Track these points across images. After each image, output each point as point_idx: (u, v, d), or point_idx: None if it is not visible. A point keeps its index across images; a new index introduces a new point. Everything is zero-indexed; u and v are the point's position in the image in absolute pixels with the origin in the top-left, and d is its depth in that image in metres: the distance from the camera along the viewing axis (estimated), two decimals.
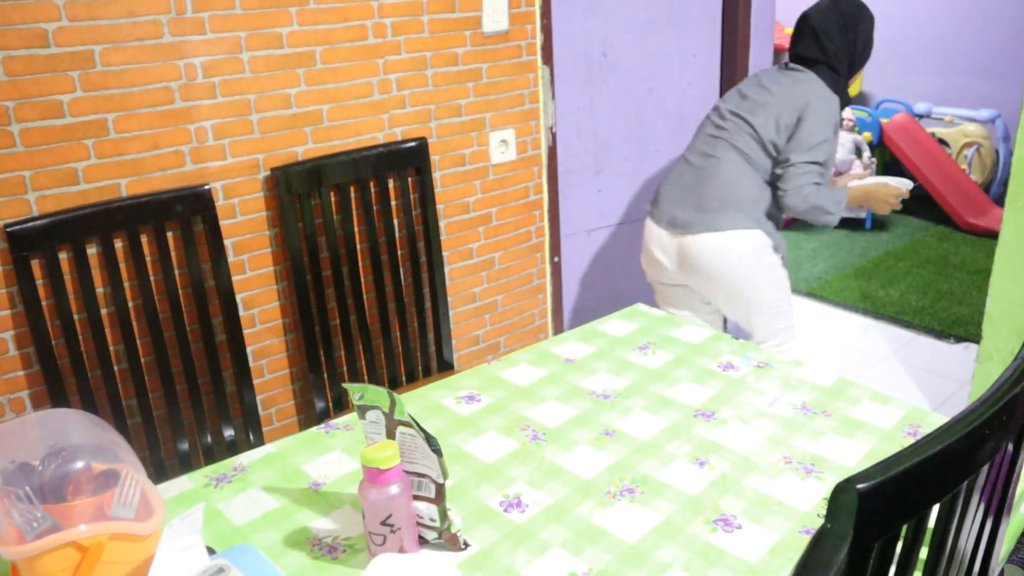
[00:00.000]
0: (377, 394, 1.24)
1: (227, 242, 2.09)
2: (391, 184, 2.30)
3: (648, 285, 3.24)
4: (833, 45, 2.43)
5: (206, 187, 1.98)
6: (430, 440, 1.19)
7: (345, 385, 1.31)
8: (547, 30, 2.57)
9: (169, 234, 1.97)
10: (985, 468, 0.88)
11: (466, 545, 1.25)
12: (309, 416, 2.33)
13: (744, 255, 2.45)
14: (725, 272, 2.46)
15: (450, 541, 1.24)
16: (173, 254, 1.98)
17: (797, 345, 2.84)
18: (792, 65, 2.50)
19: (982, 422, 0.83)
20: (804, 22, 2.51)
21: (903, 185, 2.59)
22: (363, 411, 1.27)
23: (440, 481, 1.21)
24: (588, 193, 3.00)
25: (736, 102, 2.50)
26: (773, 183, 2.45)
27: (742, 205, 2.43)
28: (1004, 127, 5.29)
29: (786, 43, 6.05)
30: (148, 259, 1.95)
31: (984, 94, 5.51)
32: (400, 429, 1.23)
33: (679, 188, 2.52)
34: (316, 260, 2.18)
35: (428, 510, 1.24)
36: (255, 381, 2.20)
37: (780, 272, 2.54)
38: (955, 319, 3.93)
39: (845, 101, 2.46)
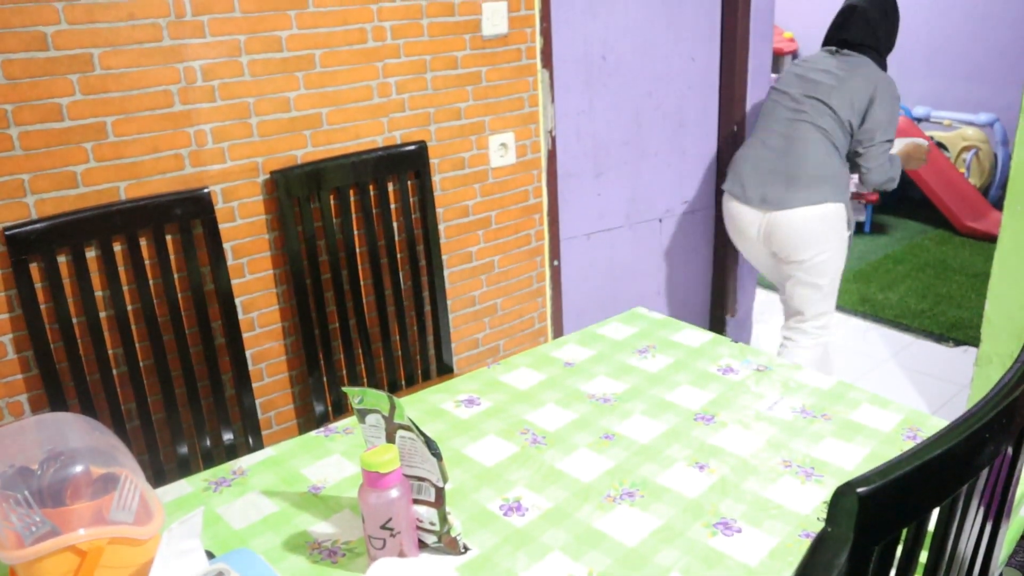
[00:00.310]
0: (377, 398, 1.23)
1: (226, 245, 2.08)
2: (390, 187, 2.30)
3: (647, 288, 3.24)
4: (880, 31, 2.75)
5: (205, 190, 1.98)
6: (430, 444, 1.19)
7: (345, 389, 1.31)
8: (546, 34, 2.57)
9: (168, 237, 1.97)
10: (985, 472, 0.88)
11: (466, 549, 1.25)
12: (308, 420, 2.33)
13: (831, 226, 2.72)
14: (810, 242, 2.71)
15: (450, 545, 1.24)
16: (172, 258, 1.98)
17: (836, 328, 3.06)
18: (845, 51, 2.76)
19: (982, 426, 0.83)
20: (852, 10, 2.77)
21: (923, 142, 3.05)
22: (363, 415, 1.27)
23: (440, 485, 1.21)
24: (588, 196, 3.00)
25: (805, 86, 2.74)
26: (851, 160, 2.76)
27: (829, 180, 2.68)
28: (1002, 131, 5.30)
29: (784, 47, 6.07)
30: (147, 263, 1.95)
31: (982, 98, 5.51)
32: (400, 433, 1.22)
33: (764, 169, 2.76)
34: (315, 263, 2.18)
35: (428, 514, 1.23)
36: (254, 385, 2.19)
37: (846, 247, 2.82)
38: (954, 322, 3.93)
39: None
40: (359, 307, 2.27)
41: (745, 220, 2.83)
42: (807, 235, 2.70)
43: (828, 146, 2.69)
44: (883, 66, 2.76)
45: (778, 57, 6.07)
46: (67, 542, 1.03)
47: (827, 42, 2.84)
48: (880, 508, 0.73)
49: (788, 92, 2.77)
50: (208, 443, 2.09)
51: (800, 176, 2.67)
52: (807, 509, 1.30)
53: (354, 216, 2.25)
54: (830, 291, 2.82)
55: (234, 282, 2.10)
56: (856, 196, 5.20)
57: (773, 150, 2.75)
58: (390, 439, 1.24)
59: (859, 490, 0.71)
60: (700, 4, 3.09)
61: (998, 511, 0.99)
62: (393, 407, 1.21)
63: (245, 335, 2.15)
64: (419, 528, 1.24)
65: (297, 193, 2.12)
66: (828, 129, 2.67)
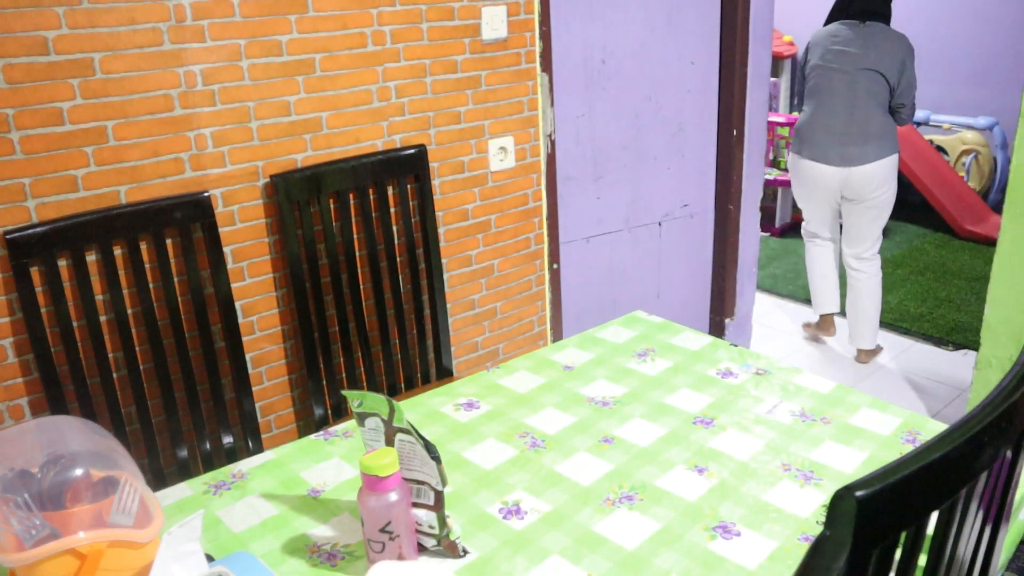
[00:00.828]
0: (376, 401, 1.24)
1: (226, 249, 2.09)
2: (390, 191, 2.30)
3: (647, 292, 3.24)
4: (889, 2, 3.33)
5: (205, 194, 1.98)
6: (429, 447, 1.19)
7: (344, 392, 1.31)
8: (546, 38, 2.57)
9: (168, 241, 1.98)
10: (984, 475, 0.88)
11: (465, 552, 1.25)
12: (308, 423, 2.33)
13: (895, 168, 3.42)
14: (884, 184, 3.40)
15: (449, 548, 1.24)
16: (172, 261, 1.98)
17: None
18: (869, 22, 3.30)
19: (981, 429, 0.83)
20: None
21: None
22: (362, 418, 1.27)
23: (439, 488, 1.21)
24: (587, 200, 3.00)
25: (855, 60, 3.30)
26: (893, 111, 3.37)
27: (889, 134, 3.37)
28: (1002, 134, 5.31)
29: (784, 51, 6.07)
30: (147, 266, 1.95)
31: (982, 102, 5.52)
32: (399, 436, 1.23)
33: (838, 132, 3.38)
34: (315, 267, 2.18)
35: (427, 517, 1.24)
36: (254, 388, 2.19)
37: None
38: (953, 326, 3.93)
39: None
40: (359, 310, 2.27)
41: (826, 176, 3.46)
42: (882, 180, 3.38)
43: (883, 107, 3.34)
44: None
45: (777, 61, 6.08)
46: (67, 545, 1.03)
47: (845, 15, 3.36)
48: (879, 512, 0.74)
49: (839, 67, 3.34)
50: (208, 446, 2.09)
51: (870, 135, 3.33)
52: (806, 512, 1.30)
53: (354, 220, 2.26)
54: (887, 217, 3.54)
55: (234, 286, 2.11)
56: None
57: (840, 117, 3.35)
58: (389, 442, 1.24)
59: (858, 494, 0.71)
60: (700, 8, 3.10)
61: (997, 514, 0.99)
62: (392, 411, 1.22)
63: (245, 338, 2.15)
64: (418, 532, 1.24)
65: (297, 197, 2.12)
66: (879, 92, 3.31)
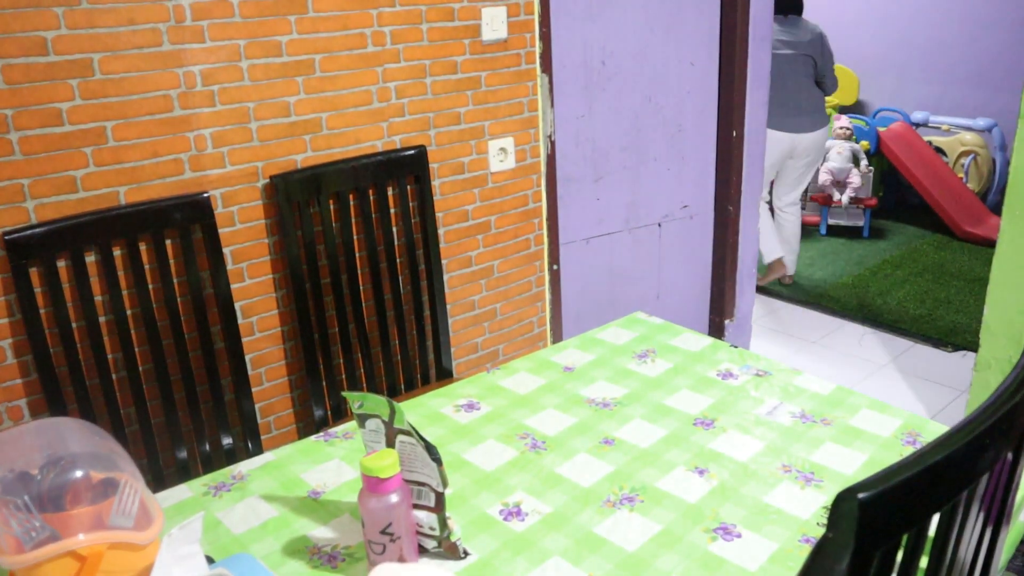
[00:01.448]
0: (377, 403, 1.23)
1: (226, 250, 2.09)
2: (390, 192, 2.30)
3: (647, 293, 3.25)
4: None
5: (205, 195, 1.98)
6: (430, 449, 1.19)
7: (344, 394, 1.31)
8: (546, 38, 2.57)
9: (168, 242, 1.97)
10: (985, 477, 0.88)
11: (466, 554, 1.25)
12: (308, 424, 2.33)
13: (827, 134, 4.45)
14: (821, 148, 4.39)
15: (449, 550, 1.24)
16: (172, 262, 1.98)
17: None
18: (791, 16, 4.17)
19: (982, 431, 0.83)
20: None
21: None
22: (363, 420, 1.27)
23: (440, 490, 1.21)
24: (587, 201, 3.00)
25: (796, 47, 4.15)
26: (818, 83, 4.29)
27: (823, 107, 4.34)
28: (1001, 136, 5.31)
29: None
30: (147, 267, 1.95)
31: (981, 103, 5.52)
32: (400, 438, 1.22)
33: (792, 108, 4.21)
34: (315, 268, 2.18)
35: (428, 519, 1.23)
36: (254, 389, 2.19)
37: None
38: (952, 327, 3.93)
39: None
40: (359, 311, 2.27)
41: (782, 141, 4.25)
42: (821, 143, 4.36)
43: (815, 84, 4.28)
44: None
45: None
46: (67, 547, 1.03)
47: (779, 11, 4.04)
48: (881, 513, 0.74)
49: (787, 54, 4.15)
50: (208, 448, 2.09)
51: (814, 109, 4.28)
52: (806, 514, 1.30)
53: (354, 221, 2.26)
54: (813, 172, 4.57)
55: (234, 286, 2.10)
56: (855, 201, 5.21)
57: (793, 95, 4.20)
58: (390, 444, 1.24)
59: (860, 495, 0.71)
60: (699, 9, 3.10)
61: (998, 516, 0.99)
62: (393, 412, 1.21)
63: (245, 339, 2.15)
64: (419, 533, 1.24)
65: (297, 197, 2.12)
66: (813, 73, 4.23)
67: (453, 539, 1.24)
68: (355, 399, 1.26)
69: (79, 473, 1.13)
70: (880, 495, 0.72)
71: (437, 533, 1.24)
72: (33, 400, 1.88)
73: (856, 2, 5.96)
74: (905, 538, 0.80)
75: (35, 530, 1.05)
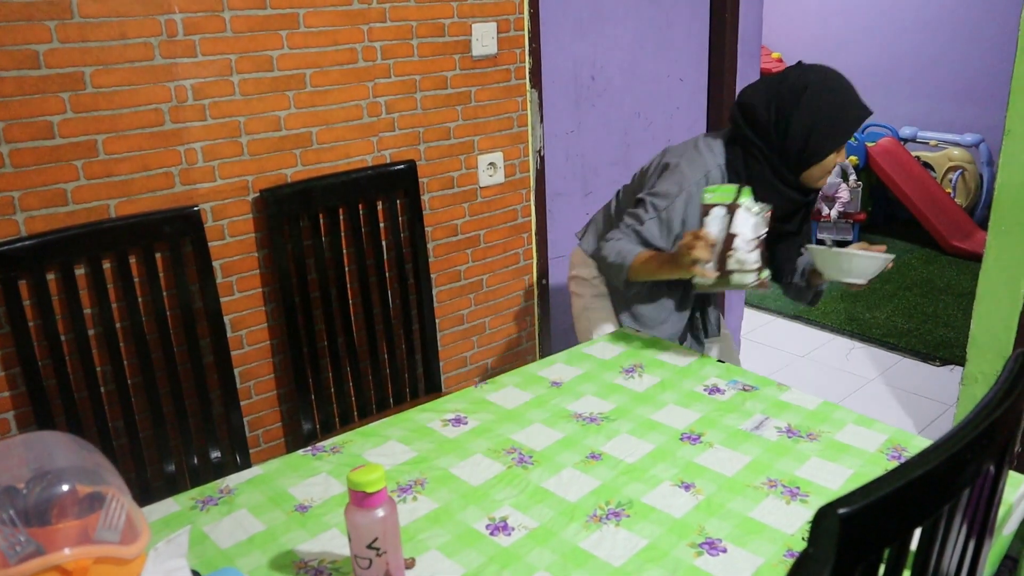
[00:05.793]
0: (726, 191, 1.60)
1: (215, 263, 2.09)
2: (380, 206, 2.31)
3: None
4: (751, 129, 1.92)
5: (195, 208, 1.99)
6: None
7: (707, 190, 1.72)
8: (536, 54, 2.59)
9: (157, 255, 1.97)
10: (967, 491, 0.89)
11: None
12: (296, 438, 2.33)
13: None
14: None
15: (761, 287, 1.57)
16: (161, 275, 1.98)
17: None
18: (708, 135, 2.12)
19: (964, 446, 0.83)
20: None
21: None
22: (707, 210, 1.64)
23: (763, 233, 1.68)
24: (576, 216, 3.01)
25: None
26: None
27: None
28: (988, 152, 5.35)
29: (773, 67, 6.10)
30: (136, 280, 1.95)
31: (968, 119, 5.57)
32: (742, 207, 1.66)
33: None
34: (304, 282, 2.18)
35: (753, 255, 1.58)
36: (242, 403, 2.19)
37: None
38: (940, 341, 3.95)
39: (774, 192, 1.89)
40: (348, 326, 2.27)
41: None
42: None
43: None
44: (754, 167, 2.14)
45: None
46: (52, 562, 1.02)
47: None
48: (862, 528, 0.74)
49: None
50: (195, 461, 2.08)
51: None
52: (792, 529, 1.31)
53: (343, 235, 2.26)
54: None
55: (223, 300, 2.10)
56: (844, 216, 5.24)
57: None
58: (729, 221, 1.68)
59: (840, 511, 0.72)
60: (689, 25, 3.12)
61: (981, 530, 1.00)
62: (739, 192, 1.65)
63: (233, 353, 2.15)
64: (736, 270, 1.68)
65: (287, 212, 2.12)
66: None
67: (763, 276, 1.64)
68: (710, 190, 1.69)
69: (65, 487, 1.13)
70: (861, 510, 0.73)
71: (759, 266, 1.66)
72: (20, 413, 1.88)
73: (845, 19, 6.01)
74: (887, 553, 0.81)
75: (20, 544, 1.05)
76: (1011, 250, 2.59)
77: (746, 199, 1.66)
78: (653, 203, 1.92)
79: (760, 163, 1.89)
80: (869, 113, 1.86)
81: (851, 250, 1.82)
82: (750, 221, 1.68)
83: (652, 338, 2.04)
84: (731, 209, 1.67)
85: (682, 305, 2.10)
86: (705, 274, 1.72)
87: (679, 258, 1.75)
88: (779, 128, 1.86)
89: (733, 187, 1.67)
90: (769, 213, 1.72)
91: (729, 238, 1.69)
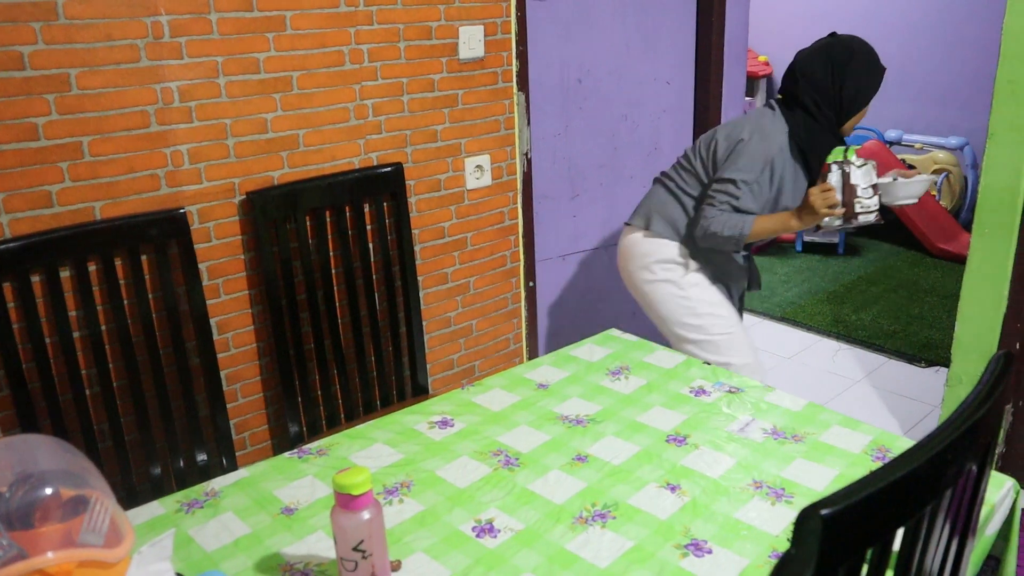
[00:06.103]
0: (836, 153, 2.14)
1: (202, 266, 2.08)
2: (366, 209, 2.31)
3: (622, 310, 3.25)
4: (812, 89, 2.30)
5: (181, 211, 1.98)
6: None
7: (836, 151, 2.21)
8: (523, 57, 2.59)
9: (143, 257, 1.97)
10: (949, 491, 0.89)
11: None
12: (282, 440, 2.32)
13: None
14: None
15: (879, 222, 2.16)
16: (147, 278, 1.98)
17: None
18: (771, 102, 2.41)
19: (945, 446, 0.84)
20: (792, 63, 2.39)
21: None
22: (827, 168, 2.17)
23: (875, 181, 2.19)
24: (563, 218, 3.02)
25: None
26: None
27: None
28: (972, 155, 5.38)
29: (759, 70, 6.13)
30: (122, 282, 1.94)
31: (953, 122, 5.60)
32: (853, 164, 2.13)
33: None
34: (291, 284, 2.18)
35: (873, 200, 2.14)
36: (228, 405, 2.18)
37: None
38: (926, 343, 3.97)
39: (826, 145, 2.29)
40: (334, 328, 2.27)
41: None
42: None
43: None
44: (813, 127, 2.52)
45: (752, 80, 6.14)
46: (35, 566, 1.02)
47: None
48: (844, 529, 0.75)
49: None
50: (182, 464, 2.07)
51: None
52: (777, 530, 1.32)
53: (330, 237, 2.26)
54: None
55: (209, 302, 2.10)
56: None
57: None
58: (844, 183, 2.15)
59: (823, 512, 0.72)
60: (675, 28, 3.13)
61: (964, 529, 1.01)
62: (846, 152, 2.13)
63: (220, 355, 2.14)
64: (862, 210, 2.15)
65: (273, 214, 2.12)
66: None
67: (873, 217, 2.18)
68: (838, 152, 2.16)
69: (49, 490, 1.13)
70: (843, 511, 0.74)
71: (878, 207, 2.14)
72: (4, 416, 1.87)
73: (831, 23, 6.04)
74: (869, 553, 0.81)
75: (2, 548, 1.04)
76: (994, 252, 2.61)
77: (852, 156, 2.18)
78: (743, 179, 2.26)
79: (817, 121, 2.29)
80: (884, 70, 2.39)
81: (903, 179, 2.34)
82: (861, 173, 2.17)
83: (639, 340, 2.05)
84: (843, 166, 2.18)
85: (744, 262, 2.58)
86: (838, 214, 2.20)
87: (813, 207, 2.18)
88: (835, 85, 2.30)
89: (840, 148, 2.19)
90: (876, 165, 2.24)
91: (851, 188, 2.17)
